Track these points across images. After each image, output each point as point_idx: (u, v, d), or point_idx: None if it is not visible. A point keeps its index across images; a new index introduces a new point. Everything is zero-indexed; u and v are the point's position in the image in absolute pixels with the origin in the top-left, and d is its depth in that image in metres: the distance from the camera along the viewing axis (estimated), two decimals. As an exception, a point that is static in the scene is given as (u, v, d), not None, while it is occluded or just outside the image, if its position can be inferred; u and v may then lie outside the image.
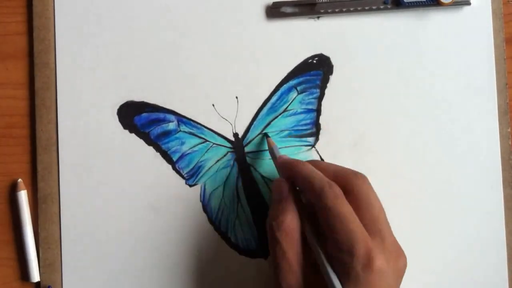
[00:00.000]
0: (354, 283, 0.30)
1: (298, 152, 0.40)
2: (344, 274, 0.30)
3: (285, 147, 0.40)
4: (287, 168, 0.35)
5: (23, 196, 0.40)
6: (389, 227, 0.33)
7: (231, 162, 0.40)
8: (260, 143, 0.40)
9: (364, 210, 0.32)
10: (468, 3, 0.40)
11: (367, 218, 0.32)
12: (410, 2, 0.40)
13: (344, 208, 0.31)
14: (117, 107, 0.40)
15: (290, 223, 0.33)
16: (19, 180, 0.40)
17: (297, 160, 0.35)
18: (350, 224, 0.31)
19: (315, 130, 0.40)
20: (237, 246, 0.40)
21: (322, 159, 0.40)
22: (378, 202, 0.33)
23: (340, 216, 0.31)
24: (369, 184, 0.33)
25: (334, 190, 0.32)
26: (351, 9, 0.40)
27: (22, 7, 0.41)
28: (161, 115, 0.40)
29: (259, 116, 0.40)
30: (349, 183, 0.33)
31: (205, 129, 0.40)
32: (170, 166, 0.40)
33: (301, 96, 0.40)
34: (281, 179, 0.35)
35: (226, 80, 0.40)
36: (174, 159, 0.40)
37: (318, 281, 0.32)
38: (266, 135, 0.40)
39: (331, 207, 0.31)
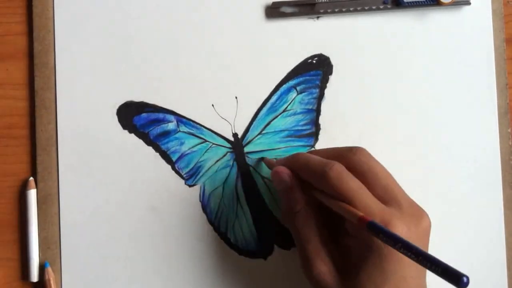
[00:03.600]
0: (378, 256, 0.29)
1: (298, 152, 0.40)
2: (367, 250, 0.30)
3: (285, 147, 0.40)
4: (285, 164, 0.35)
5: (32, 195, 0.40)
6: (402, 191, 0.32)
7: (231, 162, 0.40)
8: (260, 143, 0.40)
9: (372, 181, 0.31)
10: (468, 3, 0.40)
11: (378, 189, 0.31)
12: (410, 2, 0.40)
13: (350, 183, 0.31)
14: (117, 107, 0.40)
15: (303, 210, 0.32)
16: (31, 178, 0.40)
17: (292, 154, 0.35)
18: (361, 198, 0.30)
19: (315, 130, 0.40)
20: (237, 246, 0.40)
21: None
22: (383, 170, 0.32)
23: (348, 193, 0.30)
24: (368, 154, 0.33)
25: (335, 168, 0.31)
26: (351, 9, 0.40)
27: (22, 8, 0.41)
28: (161, 115, 0.40)
29: (259, 116, 0.40)
30: (348, 161, 0.32)
31: (204, 129, 0.40)
32: (169, 166, 0.40)
33: (300, 96, 0.40)
34: (280, 169, 0.34)
35: (226, 80, 0.40)
36: (174, 159, 0.40)
37: (345, 263, 0.31)
38: (261, 159, 0.40)
39: (337, 186, 0.30)
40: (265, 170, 0.40)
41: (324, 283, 0.31)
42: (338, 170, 0.31)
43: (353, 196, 0.30)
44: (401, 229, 0.29)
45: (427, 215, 0.31)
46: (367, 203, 0.30)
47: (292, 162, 0.35)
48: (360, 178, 0.31)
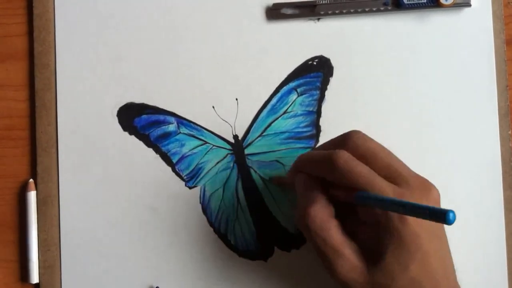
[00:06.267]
0: (398, 237, 0.29)
1: (298, 154, 0.40)
2: (385, 234, 0.30)
3: (285, 149, 0.40)
4: (295, 167, 0.35)
5: (32, 197, 0.40)
6: (406, 166, 0.32)
7: (231, 164, 0.40)
8: (260, 145, 0.40)
9: (373, 162, 0.31)
10: (469, 5, 0.40)
11: (381, 169, 0.31)
12: (410, 4, 0.40)
13: (359, 168, 0.30)
14: (117, 109, 0.40)
15: (319, 211, 0.31)
16: (30, 180, 0.40)
17: (298, 155, 0.35)
18: (373, 182, 0.30)
19: (315, 132, 0.40)
20: (237, 248, 0.40)
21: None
22: (382, 149, 0.32)
23: (359, 179, 0.30)
24: (364, 136, 0.32)
25: (340, 155, 0.31)
26: (351, 10, 0.40)
27: (22, 9, 0.41)
28: (161, 117, 0.40)
29: (259, 118, 0.40)
30: (346, 148, 0.32)
31: (205, 131, 0.40)
32: (169, 168, 0.40)
33: (301, 98, 0.40)
34: (299, 174, 0.34)
35: (226, 82, 0.40)
36: (174, 161, 0.40)
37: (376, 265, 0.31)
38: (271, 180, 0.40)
39: (347, 174, 0.30)
40: (265, 172, 0.40)
41: (351, 280, 0.31)
42: (344, 157, 0.31)
43: (366, 181, 0.30)
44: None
45: (434, 187, 0.31)
46: (381, 186, 0.30)
47: (298, 165, 0.34)
48: (362, 161, 0.31)
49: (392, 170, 0.31)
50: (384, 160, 0.31)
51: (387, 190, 0.30)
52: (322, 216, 0.31)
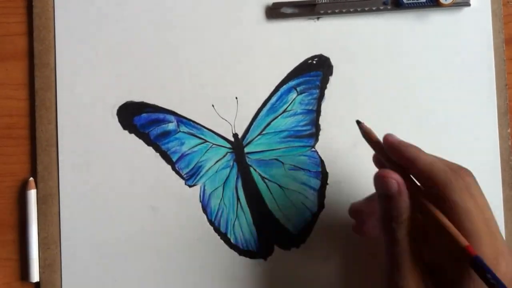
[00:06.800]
0: (468, 285, 0.27)
1: (298, 153, 0.40)
2: (456, 273, 0.28)
3: (285, 147, 0.40)
4: (402, 154, 0.31)
5: (32, 195, 0.40)
6: (499, 229, 0.29)
7: (231, 163, 0.40)
8: (260, 143, 0.40)
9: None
10: (468, 4, 0.40)
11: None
12: (410, 3, 0.40)
13: (470, 203, 0.28)
14: (117, 107, 0.40)
15: (408, 221, 0.29)
16: (31, 178, 0.40)
17: (410, 145, 0.31)
18: (471, 223, 0.27)
19: (315, 130, 0.40)
20: (237, 246, 0.40)
21: (322, 160, 0.40)
22: (487, 202, 0.29)
23: (465, 211, 0.28)
24: (477, 183, 0.30)
25: (467, 179, 0.28)
26: (351, 10, 0.40)
27: (22, 8, 0.41)
28: (161, 116, 0.40)
29: (259, 117, 0.40)
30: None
31: (204, 129, 0.40)
32: (169, 167, 0.40)
33: (300, 96, 0.40)
34: (390, 172, 0.30)
35: (226, 81, 0.40)
36: (174, 159, 0.40)
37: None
38: (358, 122, 0.34)
39: (458, 201, 0.28)
40: (265, 170, 0.40)
41: None
42: (463, 185, 0.28)
43: (467, 218, 0.27)
44: (505, 268, 0.27)
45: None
46: (478, 229, 0.27)
47: (407, 159, 0.31)
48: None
49: (489, 227, 0.28)
50: (486, 213, 0.29)
51: (484, 237, 0.27)
52: (405, 234, 0.30)
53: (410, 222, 0.30)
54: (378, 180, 0.30)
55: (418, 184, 0.31)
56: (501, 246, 0.28)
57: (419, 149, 0.31)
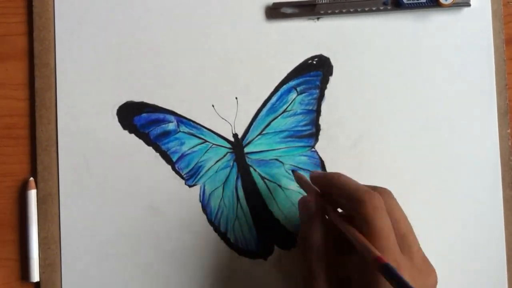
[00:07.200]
0: None
1: (298, 153, 0.40)
2: (366, 283, 0.29)
3: (285, 147, 0.40)
4: (323, 180, 0.34)
5: (33, 195, 0.40)
6: (418, 243, 0.32)
7: (231, 163, 0.40)
8: (260, 143, 0.40)
9: (394, 227, 0.31)
10: (468, 4, 0.40)
11: (396, 235, 0.30)
12: (410, 3, 0.40)
13: (384, 220, 0.30)
14: (117, 107, 0.40)
15: (321, 247, 0.32)
16: (31, 178, 0.40)
17: (332, 172, 0.34)
18: (386, 240, 0.29)
19: (315, 130, 0.40)
20: (237, 246, 0.40)
21: (322, 160, 0.40)
22: (405, 217, 0.32)
23: (377, 230, 0.29)
24: (393, 198, 0.32)
25: (375, 200, 0.30)
26: (351, 10, 0.40)
27: (22, 8, 0.41)
28: (161, 116, 0.40)
29: (259, 117, 0.40)
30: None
31: (204, 129, 0.40)
32: (169, 167, 0.40)
33: (300, 96, 0.40)
34: (308, 198, 0.34)
35: (226, 81, 0.40)
36: (174, 159, 0.40)
37: None
38: (293, 172, 0.40)
39: (370, 219, 0.30)
40: (265, 170, 0.40)
41: None
42: (377, 203, 0.30)
43: (380, 235, 0.29)
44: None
45: (435, 274, 0.31)
46: (389, 247, 0.29)
47: (327, 182, 0.34)
48: None
49: (405, 241, 0.31)
50: (402, 230, 0.31)
51: (391, 252, 0.29)
52: (318, 258, 0.32)
53: (326, 249, 0.32)
54: (301, 204, 0.34)
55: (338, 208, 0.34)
56: (408, 261, 0.30)
57: (341, 174, 0.33)
